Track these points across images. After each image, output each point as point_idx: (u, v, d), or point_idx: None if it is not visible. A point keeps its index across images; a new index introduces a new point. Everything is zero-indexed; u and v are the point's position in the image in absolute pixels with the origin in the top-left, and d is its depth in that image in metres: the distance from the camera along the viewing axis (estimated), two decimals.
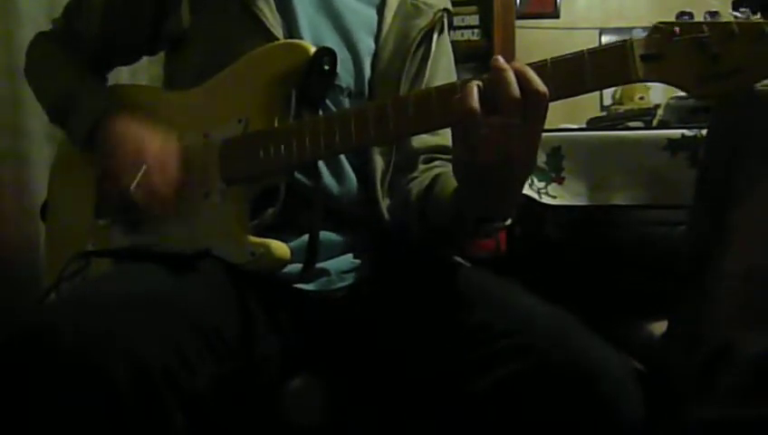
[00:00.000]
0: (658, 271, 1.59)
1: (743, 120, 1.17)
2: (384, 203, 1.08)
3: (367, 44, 1.12)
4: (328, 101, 1.05)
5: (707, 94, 0.83)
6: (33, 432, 0.74)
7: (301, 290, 1.01)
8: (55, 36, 1.22)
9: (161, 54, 1.20)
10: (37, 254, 1.45)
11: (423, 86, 1.10)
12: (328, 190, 1.06)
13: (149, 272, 0.90)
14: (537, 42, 3.38)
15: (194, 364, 0.82)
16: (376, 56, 1.11)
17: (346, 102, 1.08)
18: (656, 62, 0.83)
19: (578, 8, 3.56)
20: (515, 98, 0.81)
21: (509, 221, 0.97)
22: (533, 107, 0.82)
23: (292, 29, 1.07)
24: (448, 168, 0.96)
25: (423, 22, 1.12)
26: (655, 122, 1.94)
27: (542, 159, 1.68)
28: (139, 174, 0.99)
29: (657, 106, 2.01)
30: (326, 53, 1.00)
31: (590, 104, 2.99)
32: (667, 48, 0.83)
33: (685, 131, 1.65)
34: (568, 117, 2.38)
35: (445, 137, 1.06)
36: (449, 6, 1.19)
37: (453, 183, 0.95)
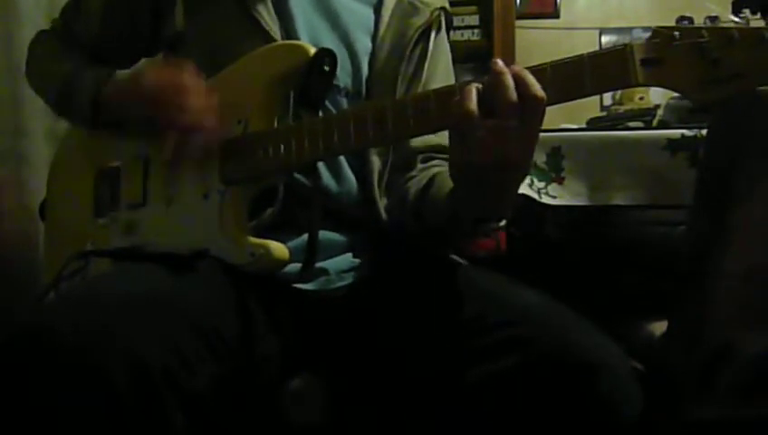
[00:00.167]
0: (658, 271, 1.60)
1: (743, 120, 1.17)
2: (381, 203, 1.08)
3: (364, 44, 1.12)
4: (326, 101, 1.05)
5: (707, 99, 0.83)
6: (32, 432, 0.74)
7: (300, 290, 1.01)
8: (55, 35, 1.22)
9: (161, 55, 1.20)
10: (36, 253, 1.45)
11: (420, 86, 1.10)
12: (327, 190, 1.06)
13: (149, 272, 0.90)
14: (537, 42, 3.38)
15: (194, 364, 0.82)
16: (373, 56, 1.11)
17: (344, 102, 1.08)
18: (655, 67, 0.83)
19: (578, 8, 3.56)
20: (513, 102, 0.82)
21: (504, 222, 0.98)
22: (530, 111, 0.82)
23: (289, 30, 1.07)
24: (446, 167, 0.97)
25: (420, 20, 1.12)
26: (655, 122, 1.94)
27: (542, 159, 1.68)
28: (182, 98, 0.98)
29: (657, 106, 2.01)
30: (326, 54, 1.00)
31: (590, 104, 2.99)
32: (667, 53, 0.83)
33: (685, 131, 1.65)
34: (568, 117, 2.38)
35: (443, 136, 1.06)
36: (446, 5, 1.18)
37: (450, 183, 0.96)
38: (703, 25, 0.82)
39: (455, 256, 1.12)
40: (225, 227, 0.99)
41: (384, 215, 1.08)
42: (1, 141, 1.58)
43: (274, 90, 1.01)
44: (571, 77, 0.85)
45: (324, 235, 1.02)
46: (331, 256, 1.04)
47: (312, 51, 1.00)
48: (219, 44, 1.06)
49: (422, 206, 1.04)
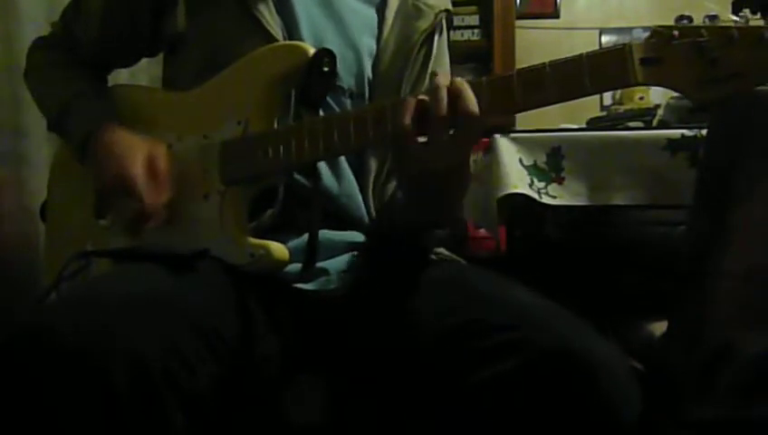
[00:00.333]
0: (658, 271, 1.60)
1: (742, 120, 1.17)
2: (373, 205, 1.09)
3: (368, 45, 1.12)
4: (330, 102, 1.06)
5: (706, 98, 0.83)
6: (32, 432, 0.74)
7: (300, 290, 1.01)
8: (54, 41, 1.22)
9: (161, 55, 1.20)
10: (37, 254, 1.45)
11: (424, 87, 1.10)
12: (327, 191, 1.06)
13: (149, 272, 0.89)
14: (537, 42, 3.38)
15: (194, 364, 0.82)
16: (377, 57, 1.12)
17: (347, 104, 1.08)
18: (655, 66, 0.83)
19: (578, 8, 3.56)
20: (443, 116, 0.86)
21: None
22: (463, 126, 0.86)
23: (292, 30, 1.07)
24: None
25: (424, 24, 1.12)
26: (655, 122, 1.94)
27: (542, 159, 1.68)
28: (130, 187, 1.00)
29: (657, 106, 2.02)
30: (325, 55, 1.00)
31: (590, 104, 2.99)
32: (667, 52, 0.83)
33: (685, 131, 1.65)
34: (568, 117, 2.38)
35: None
36: (450, 7, 1.19)
37: None
38: (702, 24, 0.82)
39: (455, 257, 1.12)
40: (226, 228, 0.99)
41: (374, 216, 1.09)
42: (1, 142, 1.57)
43: (275, 90, 1.01)
44: (570, 76, 0.85)
45: (324, 235, 1.02)
46: (331, 257, 1.04)
47: (312, 51, 0.99)
48: (220, 44, 1.06)
49: (390, 212, 1.07)
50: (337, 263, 1.04)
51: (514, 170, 1.66)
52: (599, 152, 1.67)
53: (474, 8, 3.27)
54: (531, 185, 1.66)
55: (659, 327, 1.44)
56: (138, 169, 1.00)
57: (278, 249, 0.97)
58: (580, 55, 0.85)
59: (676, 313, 1.29)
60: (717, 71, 0.81)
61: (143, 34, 1.15)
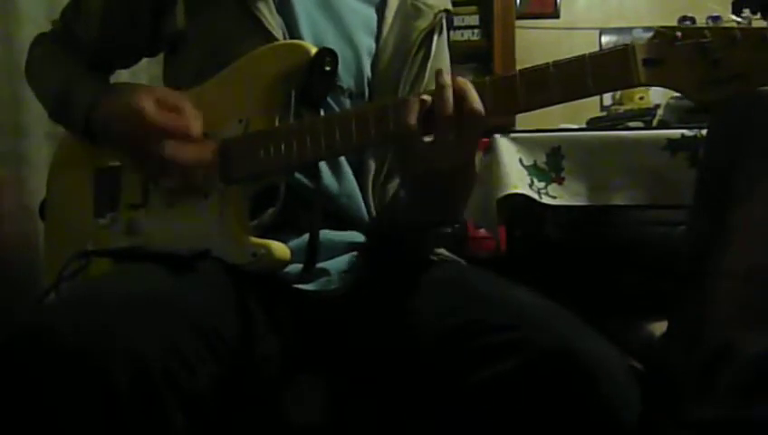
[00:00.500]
0: (658, 271, 1.60)
1: (742, 120, 1.17)
2: (372, 205, 1.09)
3: (367, 45, 1.12)
4: (330, 102, 1.06)
5: (708, 100, 0.83)
6: (33, 432, 0.74)
7: (300, 290, 1.01)
8: (55, 38, 1.22)
9: (161, 55, 1.20)
10: (36, 253, 1.45)
11: (423, 87, 1.10)
12: (328, 191, 1.06)
13: (149, 272, 0.89)
14: (537, 42, 3.37)
15: (194, 364, 0.82)
16: (376, 57, 1.12)
17: (347, 103, 1.08)
18: (657, 67, 0.83)
19: (578, 8, 3.56)
20: (449, 115, 0.86)
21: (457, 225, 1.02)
22: (468, 125, 0.87)
23: (292, 29, 1.07)
24: None
25: (423, 23, 1.12)
26: (655, 122, 1.95)
27: (542, 159, 1.68)
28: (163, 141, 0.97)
29: (657, 106, 2.02)
30: (327, 54, 1.00)
31: (590, 104, 2.98)
32: (669, 53, 0.83)
33: (685, 131, 1.65)
34: (568, 117, 2.38)
35: None
36: (449, 7, 1.19)
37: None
38: (705, 26, 0.82)
39: (455, 257, 1.12)
40: (226, 227, 0.99)
41: (373, 216, 1.09)
42: (1, 141, 1.57)
43: (276, 89, 1.01)
44: (573, 77, 0.85)
45: (325, 235, 1.02)
46: (331, 257, 1.04)
47: (314, 50, 1.00)
48: (220, 44, 1.06)
49: (391, 212, 1.07)
50: (337, 263, 1.04)
51: (514, 170, 1.66)
52: (599, 152, 1.68)
53: (474, 8, 3.27)
54: (531, 185, 1.66)
55: (659, 327, 1.44)
56: (152, 108, 0.98)
57: (279, 248, 0.97)
58: (583, 56, 0.85)
59: (676, 313, 1.29)
60: (720, 72, 0.81)
61: (143, 34, 1.14)
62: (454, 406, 0.89)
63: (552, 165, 1.68)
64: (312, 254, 0.99)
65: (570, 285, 1.80)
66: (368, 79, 1.11)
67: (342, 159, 1.08)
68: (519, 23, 3.29)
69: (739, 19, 0.82)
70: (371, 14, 1.15)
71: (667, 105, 1.88)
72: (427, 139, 0.88)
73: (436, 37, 1.14)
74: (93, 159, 1.13)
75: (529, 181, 1.66)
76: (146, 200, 1.06)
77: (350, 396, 0.99)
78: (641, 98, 2.33)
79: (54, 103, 1.14)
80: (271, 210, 1.01)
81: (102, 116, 1.04)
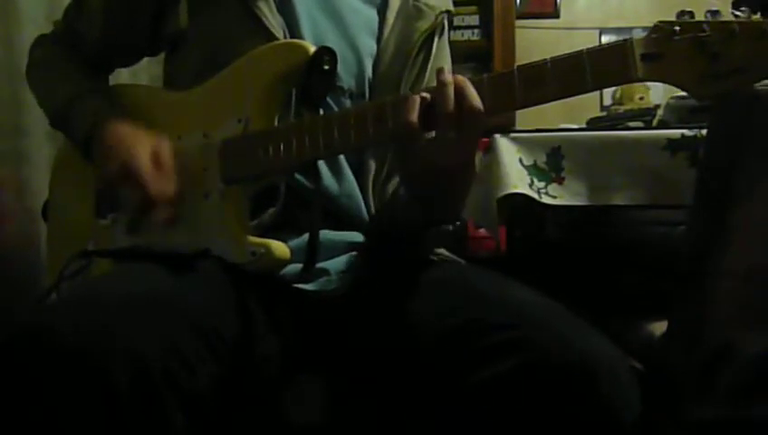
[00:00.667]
0: (658, 271, 1.60)
1: (742, 119, 1.17)
2: (372, 205, 1.09)
3: (368, 45, 1.12)
4: (330, 102, 1.06)
5: (707, 94, 0.83)
6: (33, 432, 0.74)
7: (300, 290, 1.01)
8: (56, 39, 1.22)
9: (161, 55, 1.20)
10: (38, 253, 1.45)
11: (424, 86, 1.10)
12: (327, 191, 1.06)
13: (149, 272, 0.89)
14: (537, 42, 3.38)
15: (194, 364, 0.81)
16: (377, 58, 1.12)
17: (347, 104, 1.08)
18: (656, 62, 0.83)
19: (578, 8, 3.56)
20: (450, 112, 0.86)
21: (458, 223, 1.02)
22: (469, 122, 0.86)
23: (293, 29, 1.07)
24: None
25: (425, 24, 1.12)
26: (655, 122, 1.95)
27: (542, 159, 1.68)
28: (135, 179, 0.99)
29: (657, 106, 2.02)
30: (326, 53, 1.00)
31: (590, 104, 2.99)
32: (668, 47, 0.83)
33: (685, 131, 1.65)
34: (568, 117, 2.38)
35: None
36: (451, 7, 1.19)
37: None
38: (704, 20, 0.82)
39: (455, 257, 1.12)
40: (226, 226, 0.99)
41: (372, 216, 1.09)
42: (2, 141, 1.57)
43: (275, 88, 1.01)
44: (571, 72, 0.85)
45: (325, 235, 1.02)
46: (331, 257, 1.04)
47: (312, 49, 1.00)
48: (221, 43, 1.06)
49: (391, 211, 1.08)
50: (337, 263, 1.04)
51: (514, 170, 1.66)
52: (599, 152, 1.68)
53: (474, 8, 3.27)
54: (531, 185, 1.66)
55: (659, 327, 1.44)
56: (143, 159, 1.00)
57: (279, 248, 0.97)
58: (581, 51, 0.85)
59: (676, 313, 1.29)
60: (719, 66, 0.81)
61: (144, 33, 1.15)
62: (454, 406, 0.89)
63: (552, 165, 1.68)
64: (311, 254, 0.99)
65: (570, 284, 1.80)
66: (368, 80, 1.11)
67: (342, 159, 1.08)
68: (519, 23, 3.29)
69: (738, 13, 0.81)
70: (373, 14, 1.15)
71: (667, 105, 1.89)
72: (428, 136, 0.88)
73: (437, 38, 1.14)
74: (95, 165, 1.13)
75: (529, 181, 1.66)
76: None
77: (350, 396, 0.99)
78: (641, 98, 2.33)
79: (55, 116, 1.16)
80: (271, 210, 1.01)
81: (99, 144, 1.06)
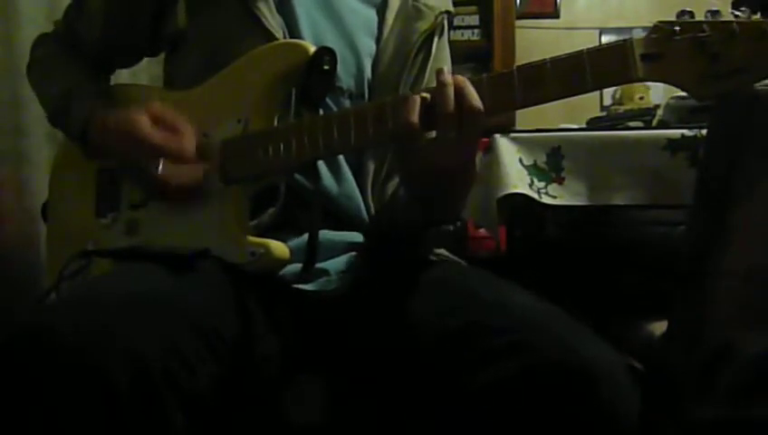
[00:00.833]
0: (658, 271, 1.59)
1: (742, 120, 1.17)
2: (372, 205, 1.09)
3: (367, 46, 1.12)
4: (330, 102, 1.06)
5: (707, 94, 0.83)
6: (33, 432, 0.74)
7: (300, 290, 1.01)
8: (57, 38, 1.22)
9: (161, 55, 1.20)
10: (37, 254, 1.45)
11: (424, 87, 1.10)
12: (327, 191, 1.06)
13: (149, 272, 0.89)
14: (537, 42, 3.38)
15: (194, 364, 0.82)
16: (376, 58, 1.12)
17: (347, 104, 1.08)
18: (656, 62, 0.83)
19: (578, 8, 3.56)
20: (451, 113, 0.86)
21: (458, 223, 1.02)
22: (469, 122, 0.87)
23: (292, 29, 1.07)
24: None
25: (424, 25, 1.12)
26: (655, 122, 1.95)
27: (542, 159, 1.68)
28: (161, 160, 0.98)
29: (657, 106, 2.02)
30: (326, 53, 1.00)
31: (590, 104, 2.99)
32: (668, 47, 0.83)
33: (685, 131, 1.65)
34: (568, 117, 2.38)
35: None
36: (451, 8, 1.18)
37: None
38: (704, 20, 0.82)
39: (455, 257, 1.12)
40: (226, 227, 0.99)
41: (372, 217, 1.09)
42: (1, 142, 1.57)
43: (275, 88, 1.01)
44: (571, 72, 0.85)
45: (325, 235, 1.02)
46: (331, 257, 1.04)
47: (312, 49, 1.00)
48: (221, 44, 1.06)
49: (391, 211, 1.08)
50: (337, 263, 1.04)
51: (514, 170, 1.66)
52: (599, 152, 1.68)
53: (474, 8, 3.27)
54: (531, 185, 1.66)
55: (659, 327, 1.44)
56: (146, 126, 0.99)
57: (278, 248, 0.97)
58: (581, 51, 0.85)
59: (676, 313, 1.29)
60: (719, 66, 0.81)
61: (144, 33, 1.15)
62: (454, 407, 0.89)
63: (551, 165, 1.68)
64: (311, 254, 0.99)
65: (570, 284, 1.80)
66: (368, 80, 1.11)
67: (342, 159, 1.08)
68: (519, 23, 3.29)
69: (738, 13, 0.81)
70: (372, 15, 1.15)
71: (667, 105, 1.89)
72: (427, 137, 0.88)
73: (436, 39, 1.14)
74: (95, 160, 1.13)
75: (529, 181, 1.66)
76: (146, 200, 1.06)
77: (350, 396, 0.99)
78: (641, 98, 2.33)
79: (53, 112, 1.15)
80: (271, 210, 1.01)
81: (98, 132, 1.06)
